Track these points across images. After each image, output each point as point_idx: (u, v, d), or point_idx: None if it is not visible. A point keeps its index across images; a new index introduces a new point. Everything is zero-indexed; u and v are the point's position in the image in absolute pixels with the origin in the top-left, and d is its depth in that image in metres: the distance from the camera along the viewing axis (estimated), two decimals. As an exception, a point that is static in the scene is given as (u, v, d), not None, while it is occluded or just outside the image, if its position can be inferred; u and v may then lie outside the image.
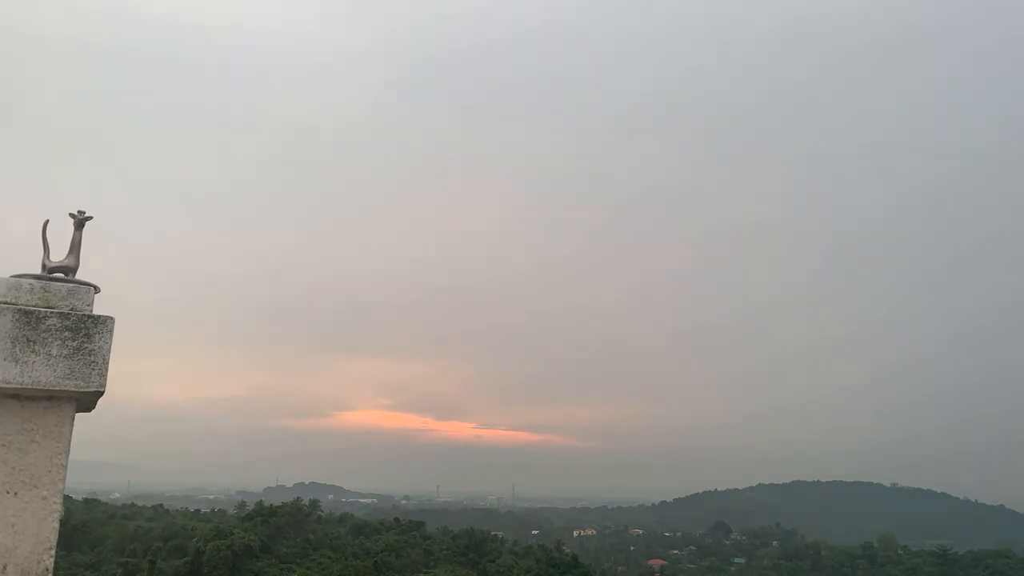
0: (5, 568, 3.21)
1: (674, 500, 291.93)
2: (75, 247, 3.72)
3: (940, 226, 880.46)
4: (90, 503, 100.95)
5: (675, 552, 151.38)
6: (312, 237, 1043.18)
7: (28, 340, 3.24)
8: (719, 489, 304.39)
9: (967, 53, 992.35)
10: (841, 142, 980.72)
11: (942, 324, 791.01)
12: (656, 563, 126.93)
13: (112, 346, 3.41)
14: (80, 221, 3.77)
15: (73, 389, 3.30)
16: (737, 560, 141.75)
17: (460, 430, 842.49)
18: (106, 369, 3.36)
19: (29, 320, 3.27)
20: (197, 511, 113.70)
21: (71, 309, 3.41)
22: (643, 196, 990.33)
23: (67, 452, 3.39)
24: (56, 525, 3.33)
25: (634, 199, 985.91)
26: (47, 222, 3.74)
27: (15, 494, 3.25)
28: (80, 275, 3.67)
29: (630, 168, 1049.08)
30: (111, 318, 3.42)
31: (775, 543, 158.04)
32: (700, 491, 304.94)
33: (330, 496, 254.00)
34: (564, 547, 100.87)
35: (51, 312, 3.32)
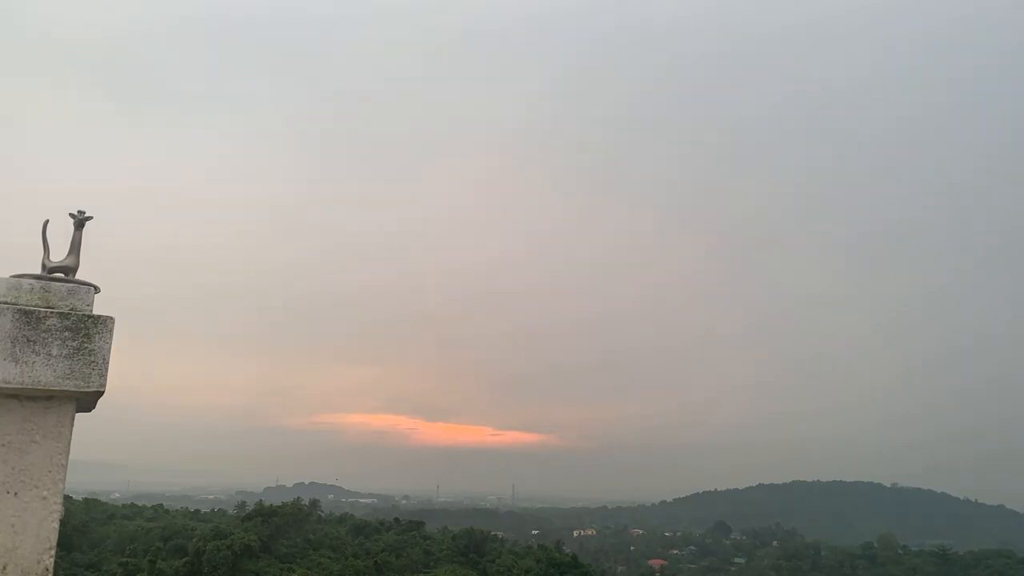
0: (5, 568, 3.21)
1: (674, 500, 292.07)
2: (75, 247, 3.72)
3: (950, 234, 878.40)
4: (90, 503, 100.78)
5: (675, 552, 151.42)
6: (317, 242, 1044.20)
7: (28, 340, 3.24)
8: (719, 489, 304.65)
9: (997, 47, 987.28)
10: (857, 139, 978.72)
11: (944, 329, 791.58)
12: (656, 563, 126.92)
13: (112, 346, 3.41)
14: (80, 221, 3.77)
15: (73, 389, 3.29)
16: (737, 560, 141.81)
17: (460, 431, 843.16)
18: (106, 369, 3.36)
19: (29, 320, 3.26)
20: (197, 511, 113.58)
21: (71, 309, 3.40)
22: (649, 200, 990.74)
23: (67, 452, 3.38)
24: (56, 525, 3.32)
25: (638, 206, 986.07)
26: (47, 222, 3.74)
27: (15, 494, 3.25)
28: (80, 275, 3.67)
29: (636, 174, 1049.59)
30: (111, 318, 3.41)
31: (775, 543, 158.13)
32: (700, 491, 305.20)
33: (330, 496, 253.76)
34: (564, 547, 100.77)
35: (51, 312, 3.32)
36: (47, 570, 3.29)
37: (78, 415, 3.48)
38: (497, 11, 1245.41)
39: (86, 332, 3.34)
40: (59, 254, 3.69)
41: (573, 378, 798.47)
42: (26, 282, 3.42)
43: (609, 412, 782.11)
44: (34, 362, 3.24)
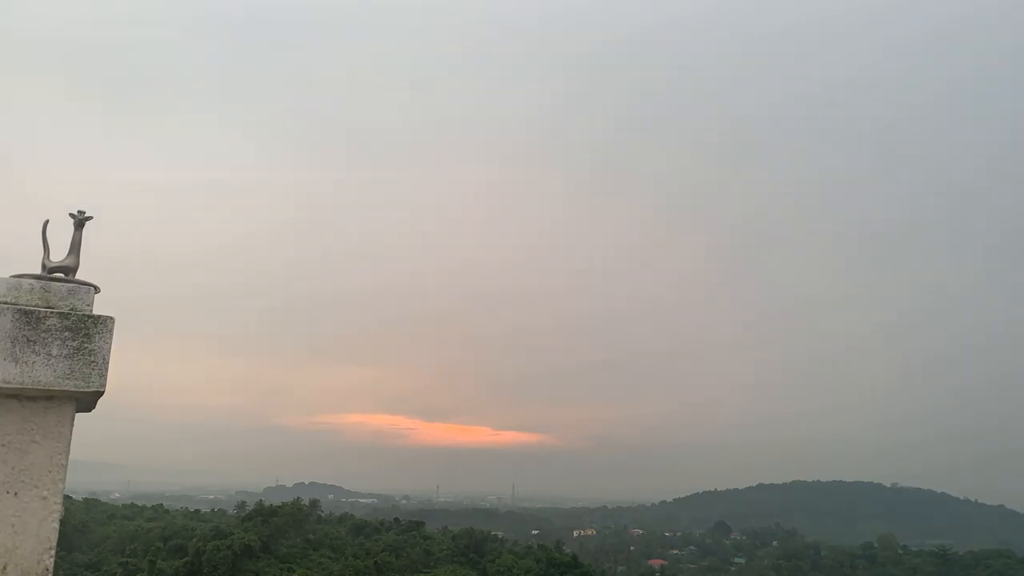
0: (5, 568, 3.21)
1: (674, 500, 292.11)
2: (75, 247, 3.71)
3: (950, 234, 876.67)
4: (90, 503, 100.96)
5: (675, 552, 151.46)
6: (317, 242, 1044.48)
7: (28, 340, 3.24)
8: (719, 489, 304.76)
9: (997, 47, 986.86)
10: (857, 139, 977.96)
11: (943, 329, 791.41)
12: (656, 563, 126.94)
13: (112, 346, 3.41)
14: (80, 221, 3.76)
15: (73, 389, 3.29)
16: (737, 560, 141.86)
17: (460, 431, 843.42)
18: (106, 369, 3.35)
19: (29, 320, 3.26)
20: (197, 511, 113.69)
21: (71, 309, 3.40)
22: (649, 200, 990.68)
23: (67, 452, 3.38)
24: (56, 525, 3.32)
25: (638, 206, 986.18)
26: (47, 222, 3.74)
27: (15, 494, 3.25)
28: (80, 275, 3.67)
29: (636, 174, 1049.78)
30: (111, 318, 3.41)
31: (775, 543, 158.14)
32: (700, 491, 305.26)
33: (330, 496, 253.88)
34: (564, 547, 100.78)
35: (51, 312, 3.31)
36: (47, 570, 3.28)
37: (78, 415, 3.48)
38: (499, 15, 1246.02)
39: (86, 332, 3.33)
40: (59, 254, 3.69)
41: (573, 378, 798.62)
42: (26, 282, 3.42)
43: (609, 412, 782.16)
44: (34, 362, 3.23)
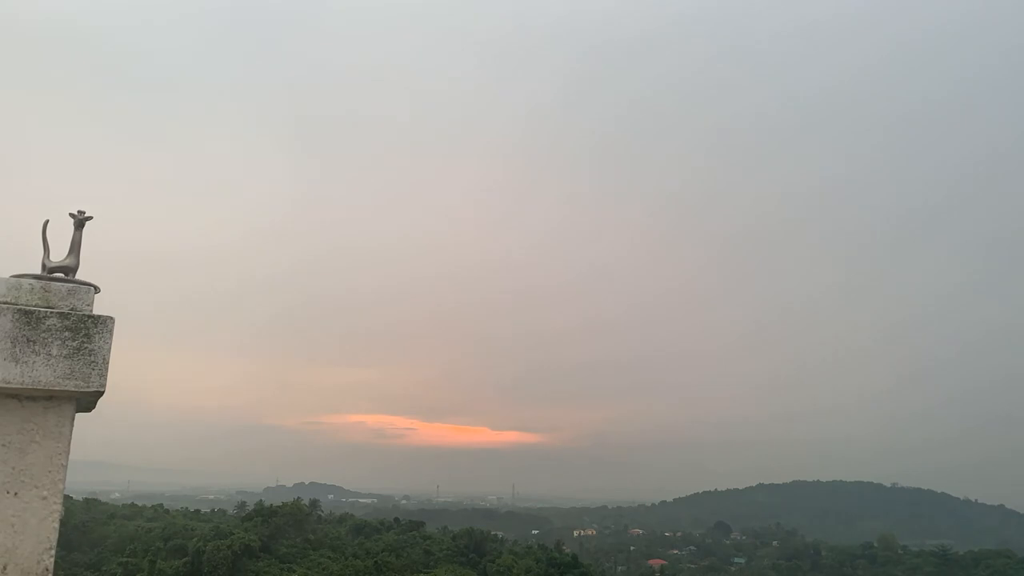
0: (5, 568, 3.21)
1: (674, 500, 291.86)
2: (75, 247, 3.71)
3: (951, 236, 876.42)
4: (90, 503, 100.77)
5: (675, 552, 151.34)
6: (318, 243, 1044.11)
7: (28, 340, 3.23)
8: (719, 489, 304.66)
9: (992, 47, 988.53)
10: (859, 140, 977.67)
11: (944, 330, 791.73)
12: (656, 563, 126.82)
13: (112, 346, 3.40)
14: (80, 221, 3.76)
15: (73, 389, 3.28)
16: (737, 560, 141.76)
17: (460, 431, 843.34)
18: (106, 369, 3.35)
19: (29, 320, 3.26)
20: (197, 511, 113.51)
21: (71, 309, 3.40)
22: (650, 202, 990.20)
23: (67, 452, 3.38)
24: (56, 525, 3.32)
25: (639, 209, 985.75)
26: (47, 222, 3.74)
27: (15, 494, 3.25)
28: (80, 275, 3.67)
29: (638, 177, 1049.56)
30: (111, 318, 3.41)
31: (775, 543, 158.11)
32: (700, 491, 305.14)
33: (330, 496, 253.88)
34: (564, 547, 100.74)
35: (51, 312, 3.31)
36: (47, 570, 3.28)
37: (78, 415, 3.48)
38: (500, 16, 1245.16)
39: (86, 332, 3.33)
40: (59, 254, 3.69)
41: (573, 378, 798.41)
42: (26, 282, 3.42)
43: (609, 412, 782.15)
44: (34, 362, 3.23)
